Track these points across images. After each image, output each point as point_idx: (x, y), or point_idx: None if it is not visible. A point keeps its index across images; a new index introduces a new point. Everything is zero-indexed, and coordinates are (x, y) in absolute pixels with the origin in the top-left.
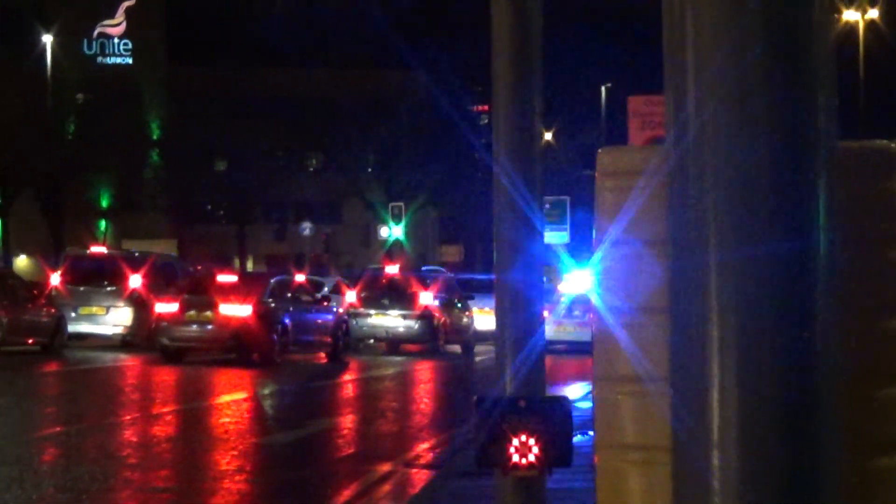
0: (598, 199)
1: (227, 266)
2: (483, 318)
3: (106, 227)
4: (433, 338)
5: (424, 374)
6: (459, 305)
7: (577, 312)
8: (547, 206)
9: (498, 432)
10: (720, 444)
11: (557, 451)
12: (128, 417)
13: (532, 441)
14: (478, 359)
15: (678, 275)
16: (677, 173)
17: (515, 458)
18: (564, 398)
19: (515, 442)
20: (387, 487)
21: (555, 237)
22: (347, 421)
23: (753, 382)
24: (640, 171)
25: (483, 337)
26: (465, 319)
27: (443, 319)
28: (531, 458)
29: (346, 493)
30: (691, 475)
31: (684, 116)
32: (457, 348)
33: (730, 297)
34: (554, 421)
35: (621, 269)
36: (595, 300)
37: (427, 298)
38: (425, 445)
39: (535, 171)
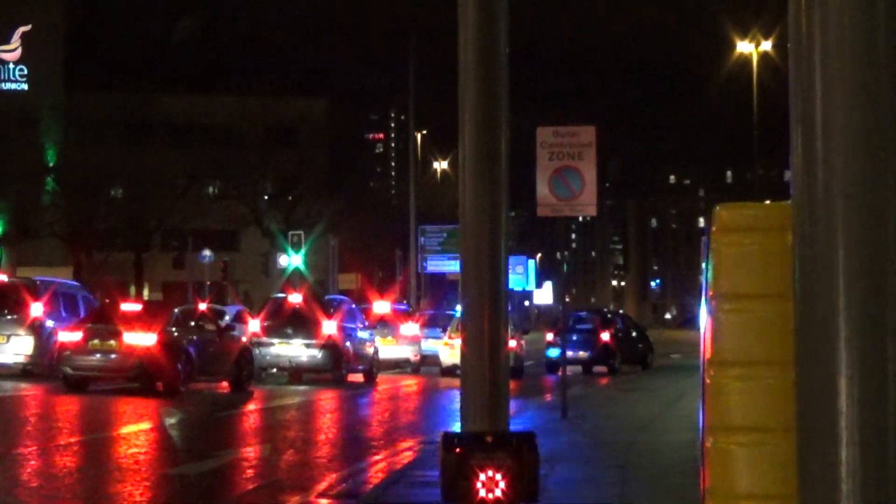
0: (715, 255)
1: (123, 294)
2: (386, 347)
3: (0, 254)
4: (337, 367)
5: (329, 403)
6: (363, 334)
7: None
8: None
9: (464, 467)
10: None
11: (525, 486)
12: (33, 448)
13: (499, 476)
14: (381, 388)
15: (805, 327)
16: (806, 227)
17: (482, 493)
18: (531, 433)
19: (482, 477)
20: None
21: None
22: (256, 451)
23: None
24: (757, 227)
25: (386, 365)
26: (368, 348)
27: (346, 349)
28: (498, 493)
29: None
30: (817, 469)
31: (812, 174)
32: (360, 377)
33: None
34: (521, 456)
35: (735, 323)
36: (705, 350)
37: (330, 327)
38: (335, 476)
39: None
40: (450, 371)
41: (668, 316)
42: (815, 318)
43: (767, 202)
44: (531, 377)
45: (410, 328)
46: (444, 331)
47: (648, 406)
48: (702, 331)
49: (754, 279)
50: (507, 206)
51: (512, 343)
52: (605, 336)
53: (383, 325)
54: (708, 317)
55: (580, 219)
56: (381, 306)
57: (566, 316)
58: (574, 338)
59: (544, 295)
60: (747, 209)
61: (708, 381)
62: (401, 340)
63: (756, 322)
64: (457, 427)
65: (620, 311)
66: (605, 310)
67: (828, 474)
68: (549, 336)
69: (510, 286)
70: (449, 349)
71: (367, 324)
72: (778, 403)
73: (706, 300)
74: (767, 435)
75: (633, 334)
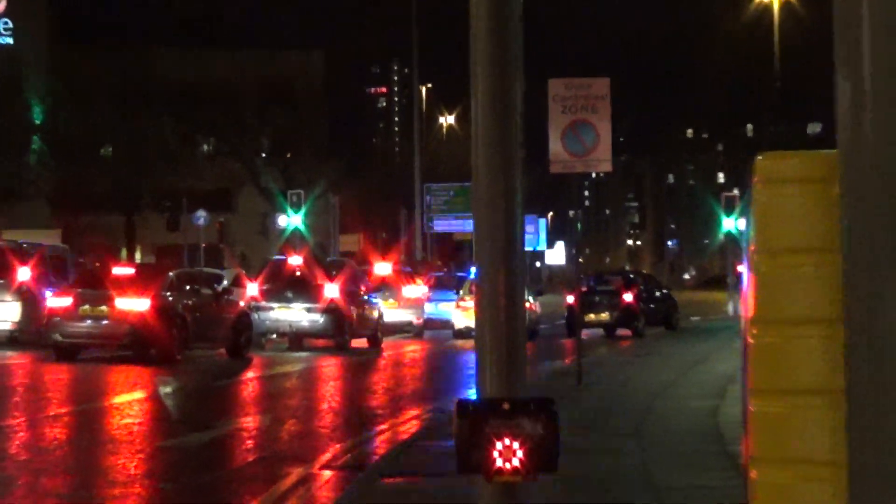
0: (757, 207)
1: (114, 258)
2: (392, 311)
3: None
4: (340, 332)
5: (332, 370)
6: (366, 298)
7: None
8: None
9: (480, 436)
10: None
11: (544, 456)
12: (23, 419)
13: (516, 445)
14: (386, 353)
15: (856, 281)
16: (854, 177)
17: (499, 462)
18: (550, 399)
19: (499, 445)
20: (306, 491)
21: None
22: (256, 421)
23: None
24: (801, 177)
25: (392, 330)
26: (374, 312)
27: (349, 312)
28: (515, 462)
29: (263, 497)
30: (869, 433)
31: (860, 121)
32: (364, 343)
33: None
34: (540, 423)
35: (780, 278)
36: (747, 309)
37: (333, 291)
38: (339, 446)
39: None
40: (462, 334)
41: (686, 276)
42: (864, 272)
43: (811, 151)
44: (546, 340)
45: (413, 290)
46: (455, 293)
47: (667, 371)
48: (743, 288)
49: (798, 232)
50: (521, 156)
51: (526, 304)
52: (628, 297)
53: (386, 287)
54: (749, 273)
55: (593, 176)
56: (383, 268)
57: (580, 276)
58: (595, 300)
59: (556, 255)
60: (790, 159)
61: (751, 340)
62: (403, 303)
63: (801, 277)
64: (470, 394)
65: (643, 272)
66: (628, 270)
67: (881, 439)
68: (570, 298)
69: None
70: (462, 311)
71: (370, 286)
72: (825, 364)
73: (747, 255)
74: (815, 397)
75: (657, 294)
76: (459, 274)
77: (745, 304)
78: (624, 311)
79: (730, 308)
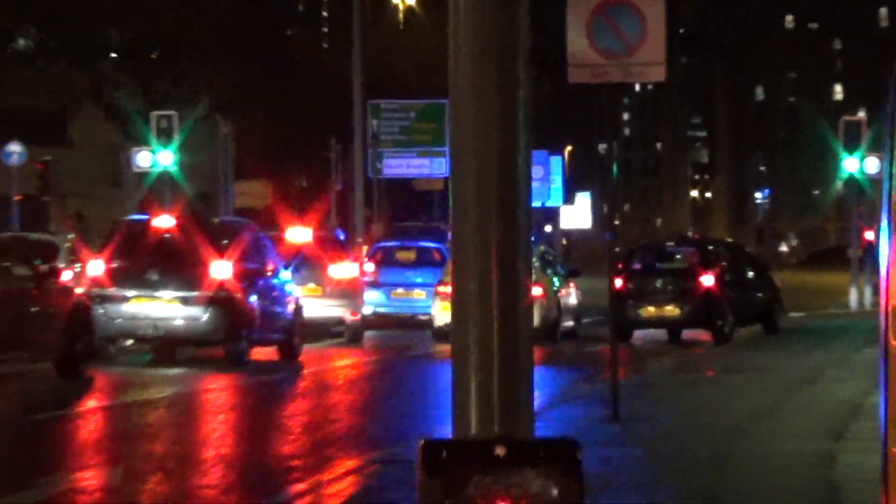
0: None
1: None
2: (314, 301)
3: None
4: (233, 336)
5: (221, 397)
6: (276, 281)
7: None
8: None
9: (459, 496)
10: None
11: None
12: None
13: None
14: (307, 369)
15: None
16: None
17: None
18: (571, 441)
19: None
20: None
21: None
22: (99, 478)
23: None
24: None
25: (315, 332)
26: (287, 304)
27: (249, 305)
28: None
29: None
30: None
31: None
32: (273, 352)
33: None
34: (553, 480)
35: None
36: (889, 299)
37: (223, 270)
38: None
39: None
40: (444, 335)
41: (783, 248)
42: None
43: None
44: (576, 343)
45: (345, 269)
46: (421, 271)
47: (757, 396)
48: (881, 268)
49: None
50: (528, 48)
51: (536, 291)
52: (708, 281)
53: (305, 265)
54: (891, 242)
55: (637, 89)
56: (302, 234)
57: (613, 248)
58: (655, 284)
59: (577, 214)
60: None
61: (895, 343)
62: (331, 289)
63: None
64: (442, 433)
65: (727, 241)
66: (705, 238)
67: None
68: (617, 282)
69: None
70: (442, 302)
71: (282, 264)
72: None
73: (887, 213)
74: None
75: (750, 276)
76: (426, 244)
77: (886, 290)
78: (701, 303)
79: (852, 298)
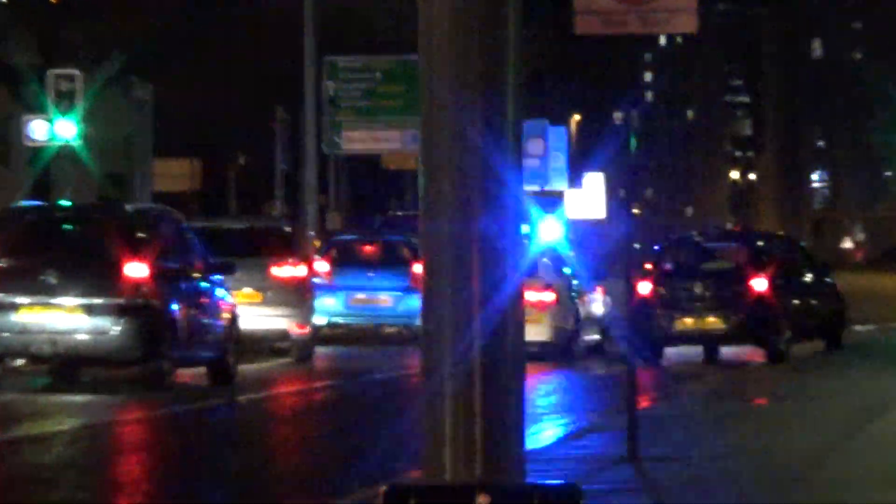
0: None
1: None
2: (252, 310)
3: None
4: (153, 353)
5: (138, 433)
6: (206, 285)
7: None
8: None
9: None
10: None
11: None
12: None
13: None
14: (246, 396)
15: None
16: None
17: None
18: (573, 489)
19: None
20: None
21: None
22: None
23: None
24: None
25: (253, 349)
26: (220, 314)
27: (173, 314)
28: None
29: None
30: None
31: None
32: (202, 373)
33: None
34: None
35: None
36: None
37: (139, 270)
38: None
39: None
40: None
41: (847, 244)
42: None
43: None
44: (590, 360)
45: (291, 270)
46: (390, 275)
47: (812, 431)
48: None
49: None
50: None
51: (547, 297)
52: (760, 285)
53: (240, 265)
54: None
55: (662, 42)
56: (238, 225)
57: (630, 246)
58: (694, 290)
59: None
60: None
61: None
62: (272, 295)
63: None
64: (411, 476)
65: (781, 234)
66: (754, 231)
67: None
68: (645, 288)
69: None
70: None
71: (217, 262)
72: None
73: None
74: None
75: (808, 279)
76: (391, 238)
77: None
78: (752, 313)
79: None
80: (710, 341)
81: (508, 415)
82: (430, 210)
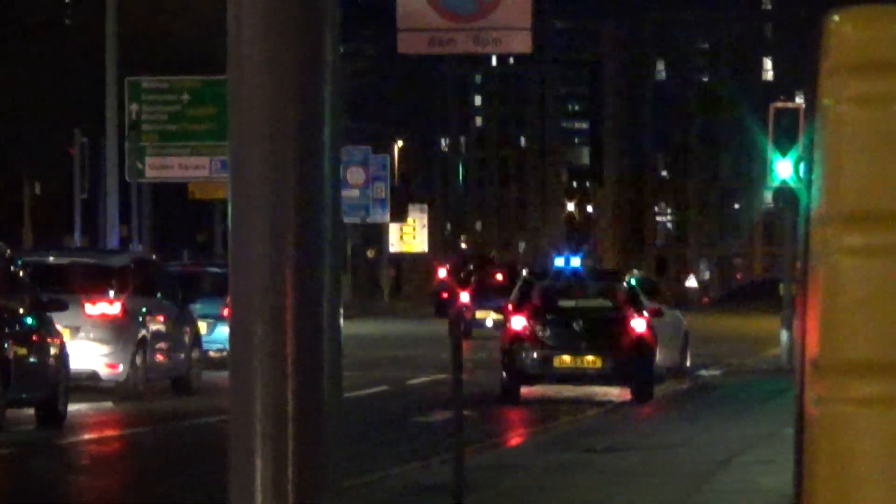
0: (829, 129)
1: None
2: (80, 345)
3: None
4: None
5: None
6: (34, 323)
7: None
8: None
9: None
10: None
11: None
12: None
13: None
14: (77, 437)
15: None
16: None
17: None
18: None
19: None
20: None
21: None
22: None
23: None
24: None
25: (84, 386)
26: (49, 348)
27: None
28: None
29: None
30: None
31: None
32: (31, 415)
33: None
34: None
35: (874, 278)
36: (809, 348)
37: None
38: None
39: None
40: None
41: (690, 283)
42: None
43: None
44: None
45: (105, 307)
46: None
47: (648, 488)
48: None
49: None
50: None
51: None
52: (639, 326)
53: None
54: (809, 267)
55: (494, 63)
56: (45, 255)
57: (457, 272)
58: (568, 326)
59: (409, 234)
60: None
61: (813, 411)
62: (87, 328)
63: None
64: None
65: (637, 271)
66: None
67: None
68: (518, 323)
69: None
70: None
71: (45, 299)
72: None
73: (804, 231)
74: None
75: (662, 315)
76: (211, 268)
77: (804, 332)
78: (629, 352)
79: (785, 349)
80: (586, 381)
81: (324, 459)
82: (237, 239)
